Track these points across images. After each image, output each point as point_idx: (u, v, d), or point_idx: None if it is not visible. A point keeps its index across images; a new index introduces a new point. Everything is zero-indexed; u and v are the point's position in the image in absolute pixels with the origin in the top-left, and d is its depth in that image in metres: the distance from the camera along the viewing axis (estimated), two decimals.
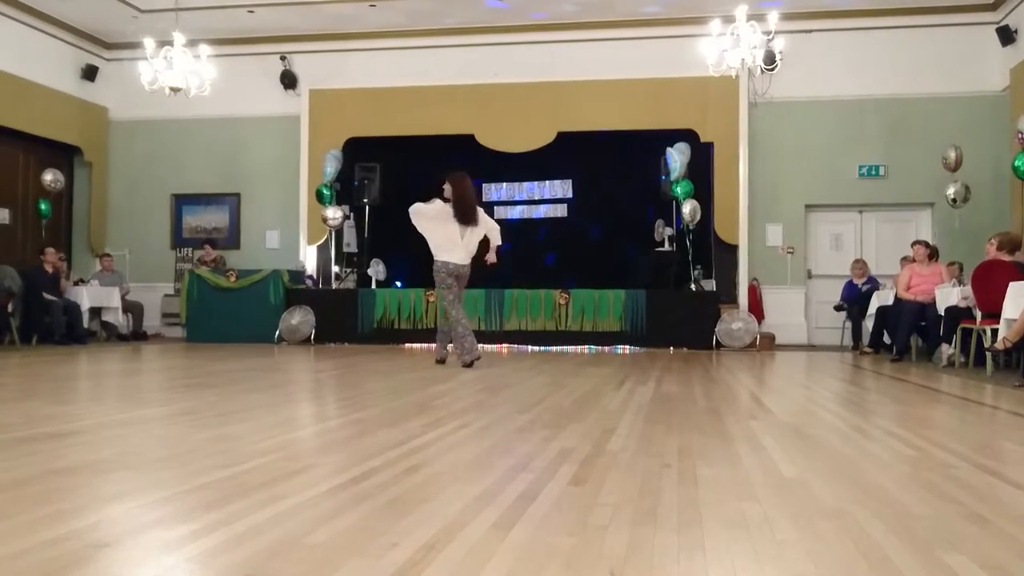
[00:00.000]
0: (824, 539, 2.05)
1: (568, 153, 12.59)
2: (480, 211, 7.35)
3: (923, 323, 8.73)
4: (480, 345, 10.72)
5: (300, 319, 11.14)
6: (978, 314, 7.31)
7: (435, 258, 7.24)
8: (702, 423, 4.05)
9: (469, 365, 7.17)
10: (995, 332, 6.87)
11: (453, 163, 13.08)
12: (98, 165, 13.28)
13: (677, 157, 10.97)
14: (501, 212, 14.10)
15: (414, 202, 7.28)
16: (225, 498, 2.40)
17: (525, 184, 14.00)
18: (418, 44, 12.51)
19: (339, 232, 12.22)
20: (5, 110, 11.46)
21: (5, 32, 11.54)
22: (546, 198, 14.01)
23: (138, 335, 11.92)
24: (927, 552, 1.94)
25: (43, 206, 12.07)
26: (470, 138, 12.22)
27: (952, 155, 10.48)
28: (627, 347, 10.53)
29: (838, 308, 11.02)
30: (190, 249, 13.15)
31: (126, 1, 11.64)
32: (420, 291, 11.11)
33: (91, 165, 13.18)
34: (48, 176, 12.01)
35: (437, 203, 7.19)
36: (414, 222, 7.25)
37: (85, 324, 10.94)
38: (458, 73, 12.31)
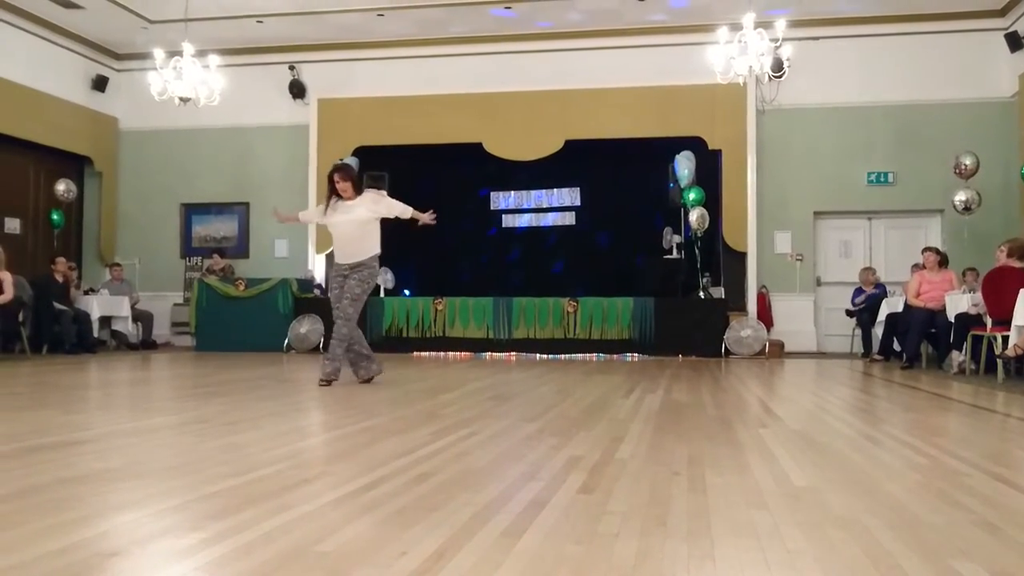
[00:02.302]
0: (835, 548, 2.04)
1: (576, 161, 12.61)
2: (361, 197, 6.36)
3: (933, 330, 8.69)
4: (488, 353, 10.87)
5: (309, 328, 11.15)
6: (988, 321, 7.28)
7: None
8: (711, 431, 4.04)
9: (322, 382, 6.20)
10: (1006, 339, 6.84)
11: (461, 171, 13.31)
12: (108, 175, 13.35)
13: (685, 164, 10.97)
14: (509, 220, 14.15)
15: (422, 210, 6.95)
16: (235, 507, 2.41)
17: (533, 192, 14.02)
18: (426, 53, 12.55)
19: None
20: (16, 121, 11.53)
21: (16, 43, 11.63)
22: (554, 206, 14.03)
23: (147, 344, 11.95)
24: (938, 560, 1.93)
25: (55, 216, 12.14)
26: (478, 146, 12.24)
27: (968, 161, 10.41)
28: (635, 355, 10.50)
29: (850, 313, 10.98)
30: (199, 258, 13.19)
31: (136, 12, 11.71)
32: (428, 299, 11.12)
33: (101, 175, 13.25)
34: (61, 186, 12.08)
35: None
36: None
37: (95, 333, 10.96)
38: (466, 81, 12.34)
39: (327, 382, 6.16)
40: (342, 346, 6.19)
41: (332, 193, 6.33)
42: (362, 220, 6.29)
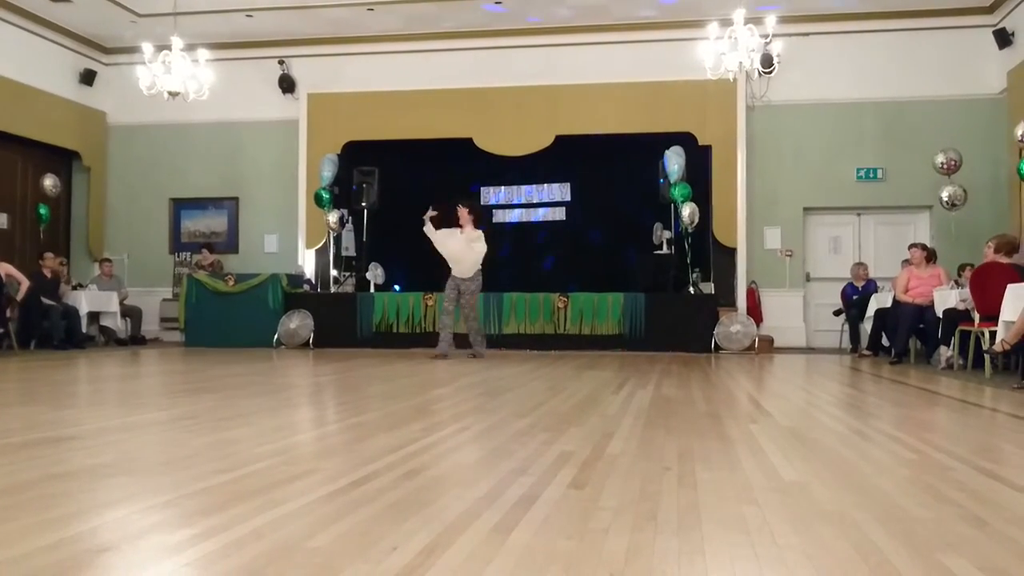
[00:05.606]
0: (824, 543, 2.05)
1: (566, 156, 12.60)
2: (467, 231, 8.94)
3: (922, 326, 8.74)
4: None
5: (299, 323, 11.13)
6: (976, 316, 7.32)
7: None
8: (702, 427, 4.05)
9: (435, 357, 8.72)
10: (993, 334, 6.88)
11: (451, 167, 13.27)
12: (97, 170, 13.28)
13: (675, 160, 10.97)
14: (500, 215, 14.11)
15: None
16: (225, 503, 2.40)
17: (523, 187, 13.99)
18: (416, 48, 12.53)
19: (338, 236, 12.23)
20: (4, 115, 11.46)
21: (4, 37, 11.54)
22: (544, 201, 14.01)
23: (136, 340, 11.90)
24: (927, 555, 1.94)
25: (42, 211, 12.07)
26: (468, 142, 12.23)
27: (950, 157, 10.44)
28: (625, 350, 10.51)
29: (837, 313, 11.02)
30: (189, 253, 13.15)
31: (124, 6, 11.65)
32: (419, 295, 11.11)
33: (90, 170, 13.18)
34: (48, 181, 12.01)
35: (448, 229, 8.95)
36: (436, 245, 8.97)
37: (84, 329, 10.93)
38: (456, 77, 12.32)
39: (444, 357, 8.76)
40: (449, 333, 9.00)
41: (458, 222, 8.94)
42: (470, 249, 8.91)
